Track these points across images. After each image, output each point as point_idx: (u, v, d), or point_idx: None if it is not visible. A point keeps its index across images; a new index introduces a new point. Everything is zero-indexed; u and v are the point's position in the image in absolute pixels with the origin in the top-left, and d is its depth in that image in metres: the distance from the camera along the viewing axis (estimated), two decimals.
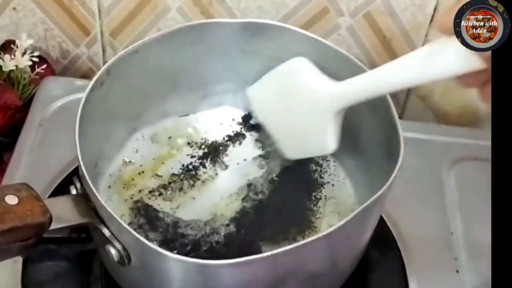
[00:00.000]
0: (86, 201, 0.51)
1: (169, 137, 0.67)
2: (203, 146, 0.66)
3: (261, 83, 0.63)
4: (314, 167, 0.65)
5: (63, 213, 0.49)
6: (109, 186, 0.62)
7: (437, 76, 0.45)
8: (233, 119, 0.69)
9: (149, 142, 0.66)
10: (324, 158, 0.66)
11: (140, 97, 0.64)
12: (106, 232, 0.49)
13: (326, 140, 0.56)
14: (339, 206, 0.63)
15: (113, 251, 0.49)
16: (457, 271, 0.64)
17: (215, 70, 0.66)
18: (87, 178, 0.49)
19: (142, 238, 0.46)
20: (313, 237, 0.47)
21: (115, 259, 0.49)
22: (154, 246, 0.46)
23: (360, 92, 0.53)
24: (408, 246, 0.65)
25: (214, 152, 0.66)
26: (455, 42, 0.41)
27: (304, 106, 0.57)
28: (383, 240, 0.64)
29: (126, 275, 0.54)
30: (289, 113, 0.59)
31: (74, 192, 0.52)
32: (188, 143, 0.67)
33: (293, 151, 0.61)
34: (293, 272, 0.50)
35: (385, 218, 0.66)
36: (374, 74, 0.51)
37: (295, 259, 0.49)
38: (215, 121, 0.68)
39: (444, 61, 0.44)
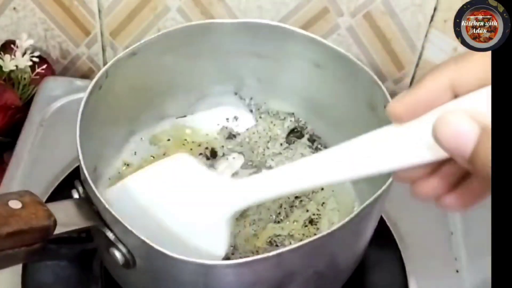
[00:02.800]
0: (89, 204, 0.51)
1: (168, 139, 0.67)
2: (201, 148, 0.67)
3: (142, 176, 0.53)
4: None
5: (67, 218, 0.49)
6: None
7: (387, 169, 0.39)
8: (232, 120, 0.69)
9: (147, 144, 0.66)
10: None
11: (139, 98, 0.64)
12: (110, 235, 0.49)
13: (215, 245, 0.49)
14: (339, 204, 0.63)
15: (117, 254, 0.49)
16: (457, 271, 0.64)
17: (214, 71, 0.66)
18: (90, 182, 0.49)
19: (147, 240, 0.46)
20: (316, 236, 0.47)
21: (120, 262, 0.49)
22: (159, 248, 0.46)
23: (265, 193, 0.45)
24: (408, 246, 0.65)
25: (212, 152, 0.66)
26: (418, 128, 0.37)
27: (193, 206, 0.50)
28: (383, 240, 0.64)
29: (131, 278, 0.54)
30: (175, 211, 0.50)
31: (76, 196, 0.52)
32: (186, 144, 0.67)
33: (177, 247, 0.49)
34: (296, 271, 0.50)
35: (385, 218, 0.66)
36: (282, 173, 0.44)
37: (299, 258, 0.49)
38: (213, 121, 0.68)
39: (395, 151, 0.38)
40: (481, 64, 0.36)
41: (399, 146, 0.38)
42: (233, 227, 0.48)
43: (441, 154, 0.36)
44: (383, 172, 0.39)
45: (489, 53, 0.35)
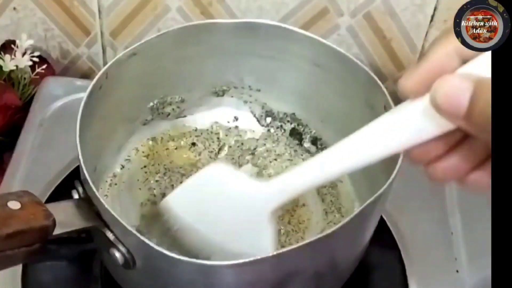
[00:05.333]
0: (89, 205, 0.51)
1: (168, 139, 0.67)
2: (202, 148, 0.67)
3: (179, 193, 0.53)
4: None
5: (67, 218, 0.49)
6: (108, 189, 0.62)
7: (401, 147, 0.41)
8: (232, 120, 0.69)
9: (147, 144, 0.66)
10: None
11: (139, 99, 0.64)
12: (110, 235, 0.49)
13: (262, 243, 0.50)
14: (339, 203, 0.63)
15: (117, 254, 0.49)
16: (457, 271, 0.64)
17: (214, 71, 0.66)
18: (90, 182, 0.49)
19: (147, 241, 0.46)
20: (316, 237, 0.47)
21: (120, 262, 0.49)
22: (159, 248, 0.46)
23: (298, 187, 0.47)
24: (408, 246, 0.65)
25: (213, 152, 0.66)
26: (421, 103, 0.38)
27: (234, 212, 0.50)
28: (383, 240, 0.64)
29: (131, 278, 0.54)
30: (217, 220, 0.52)
31: (76, 196, 0.52)
32: (187, 145, 0.67)
33: (227, 256, 0.50)
34: (296, 271, 0.50)
35: (385, 218, 0.66)
36: (312, 165, 0.45)
37: (299, 258, 0.49)
38: (213, 122, 0.68)
39: (412, 127, 0.39)
40: None
41: (410, 123, 0.39)
42: (275, 225, 0.49)
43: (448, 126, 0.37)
44: (397, 151, 0.41)
45: None
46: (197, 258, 0.47)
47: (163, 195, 0.62)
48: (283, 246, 0.59)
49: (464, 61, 0.38)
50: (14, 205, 0.46)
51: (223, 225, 0.51)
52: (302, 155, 0.67)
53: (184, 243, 0.53)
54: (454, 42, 0.37)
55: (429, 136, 0.39)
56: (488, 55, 0.37)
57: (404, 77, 0.38)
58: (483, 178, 0.38)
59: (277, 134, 0.68)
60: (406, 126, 0.40)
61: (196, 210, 0.52)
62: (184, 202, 0.53)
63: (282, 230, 0.61)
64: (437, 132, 0.38)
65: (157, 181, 0.63)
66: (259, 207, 0.49)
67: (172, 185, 0.63)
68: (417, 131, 0.39)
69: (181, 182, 0.63)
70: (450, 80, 0.36)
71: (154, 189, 0.62)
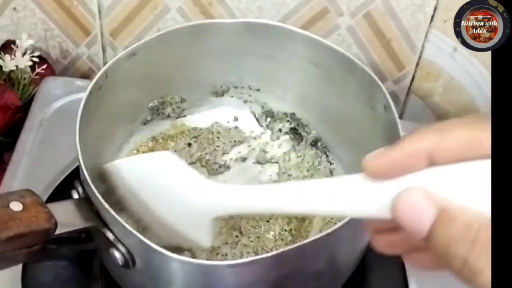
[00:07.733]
0: (89, 205, 0.51)
1: (168, 139, 0.67)
2: (201, 147, 0.67)
3: (128, 164, 0.55)
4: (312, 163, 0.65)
5: (67, 218, 0.49)
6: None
7: (343, 213, 0.40)
8: (232, 120, 0.69)
9: (147, 144, 0.66)
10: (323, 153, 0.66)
11: (138, 99, 0.64)
12: (110, 235, 0.49)
13: (201, 236, 0.50)
14: None
15: (117, 254, 0.49)
16: None
17: (214, 71, 0.66)
18: (90, 182, 0.49)
19: (147, 241, 0.46)
20: (316, 236, 0.47)
21: (120, 262, 0.49)
22: (159, 248, 0.46)
23: (245, 206, 0.43)
24: None
25: (213, 153, 0.66)
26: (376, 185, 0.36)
27: (177, 204, 0.50)
28: None
29: (131, 278, 0.54)
30: (159, 204, 0.51)
31: (76, 196, 0.52)
32: (186, 144, 0.67)
33: (166, 238, 0.52)
34: (296, 271, 0.50)
35: None
36: (266, 191, 0.42)
37: (298, 258, 0.49)
38: (213, 122, 0.68)
39: (354, 200, 0.37)
40: (462, 139, 0.34)
41: (362, 197, 0.37)
42: (216, 227, 0.49)
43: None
44: (348, 216, 0.43)
45: (470, 126, 0.34)
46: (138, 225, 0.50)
47: None
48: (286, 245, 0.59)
49: (432, 164, 0.35)
50: (16, 206, 0.46)
51: (166, 207, 0.51)
52: (301, 155, 0.67)
53: (126, 207, 0.53)
54: (428, 143, 0.35)
55: (378, 216, 0.37)
56: (455, 169, 0.34)
57: (371, 155, 0.36)
58: (424, 259, 0.39)
59: (277, 134, 0.68)
60: (358, 198, 0.37)
61: (141, 185, 0.52)
62: (132, 174, 0.53)
63: (281, 230, 0.61)
64: (388, 216, 0.36)
65: None
66: (202, 209, 0.47)
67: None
68: (370, 207, 0.37)
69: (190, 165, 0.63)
70: (414, 195, 0.34)
71: None
